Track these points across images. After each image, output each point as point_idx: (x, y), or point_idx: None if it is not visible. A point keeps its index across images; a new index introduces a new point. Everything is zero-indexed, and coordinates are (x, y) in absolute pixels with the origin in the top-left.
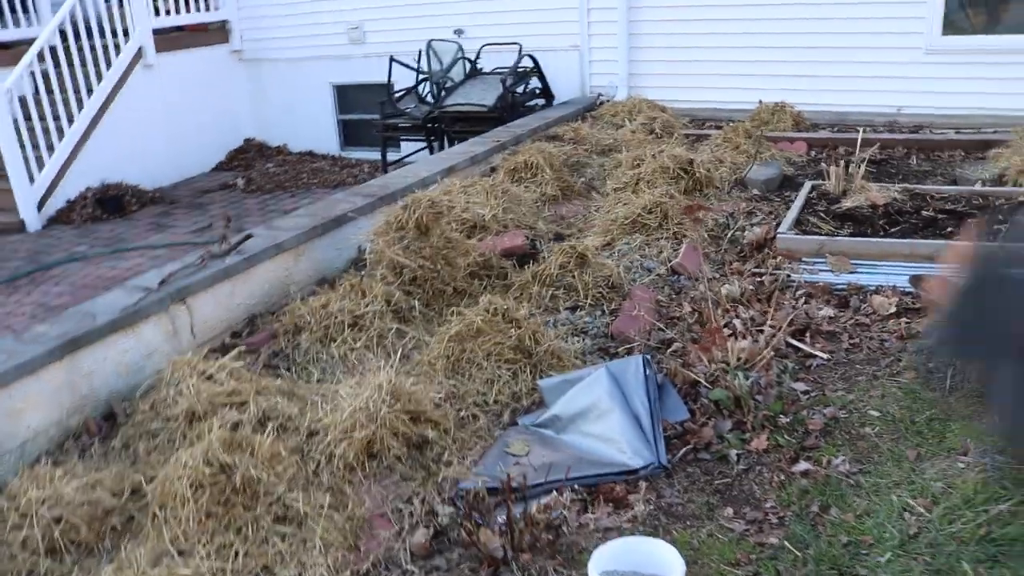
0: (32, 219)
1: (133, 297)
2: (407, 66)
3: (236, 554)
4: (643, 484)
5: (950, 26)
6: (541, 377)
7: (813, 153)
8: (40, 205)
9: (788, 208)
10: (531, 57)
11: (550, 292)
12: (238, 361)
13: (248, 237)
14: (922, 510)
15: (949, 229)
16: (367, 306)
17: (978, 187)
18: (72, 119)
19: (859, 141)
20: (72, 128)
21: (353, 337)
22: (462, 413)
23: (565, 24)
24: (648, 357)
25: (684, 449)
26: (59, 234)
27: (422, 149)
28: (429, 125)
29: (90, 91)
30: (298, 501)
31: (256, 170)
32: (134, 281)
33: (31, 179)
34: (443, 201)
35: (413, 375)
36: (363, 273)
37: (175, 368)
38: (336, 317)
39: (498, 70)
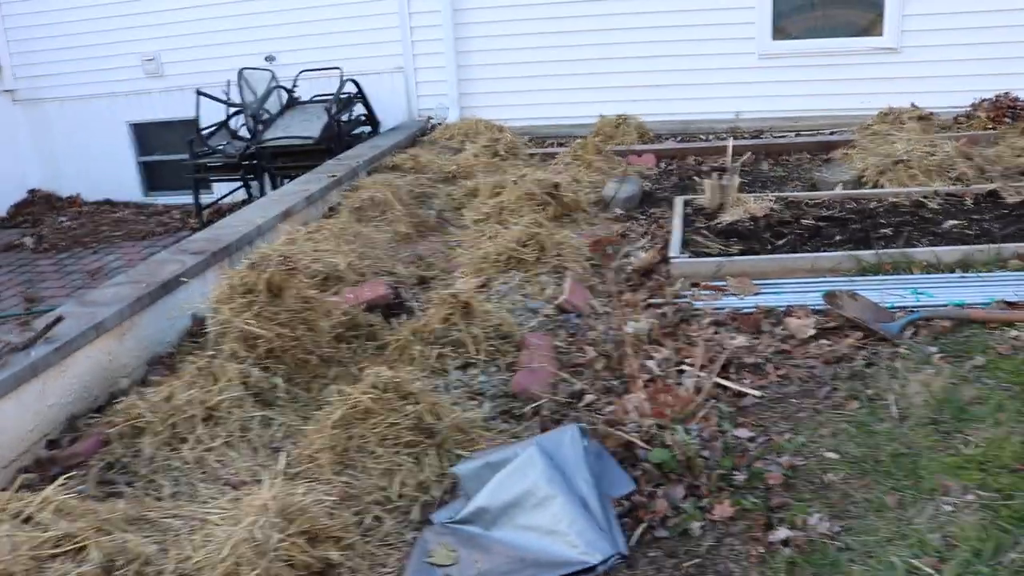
0: None
1: None
2: (216, 99)
3: None
4: None
5: (780, 31)
6: (448, 459)
7: (663, 165)
8: None
9: (661, 227)
10: (354, 82)
11: (435, 351)
12: (64, 492)
13: (58, 320)
14: (931, 571)
15: (837, 237)
16: (221, 392)
17: (840, 190)
18: None
19: (729, 151)
20: None
21: (209, 434)
22: (363, 519)
23: (388, 45)
24: (583, 426)
25: (639, 529)
26: None
27: (238, 189)
28: (246, 163)
29: None
30: None
31: (47, 225)
32: None
33: None
34: (293, 254)
35: (294, 475)
36: (209, 351)
37: None
38: (184, 411)
39: (318, 98)
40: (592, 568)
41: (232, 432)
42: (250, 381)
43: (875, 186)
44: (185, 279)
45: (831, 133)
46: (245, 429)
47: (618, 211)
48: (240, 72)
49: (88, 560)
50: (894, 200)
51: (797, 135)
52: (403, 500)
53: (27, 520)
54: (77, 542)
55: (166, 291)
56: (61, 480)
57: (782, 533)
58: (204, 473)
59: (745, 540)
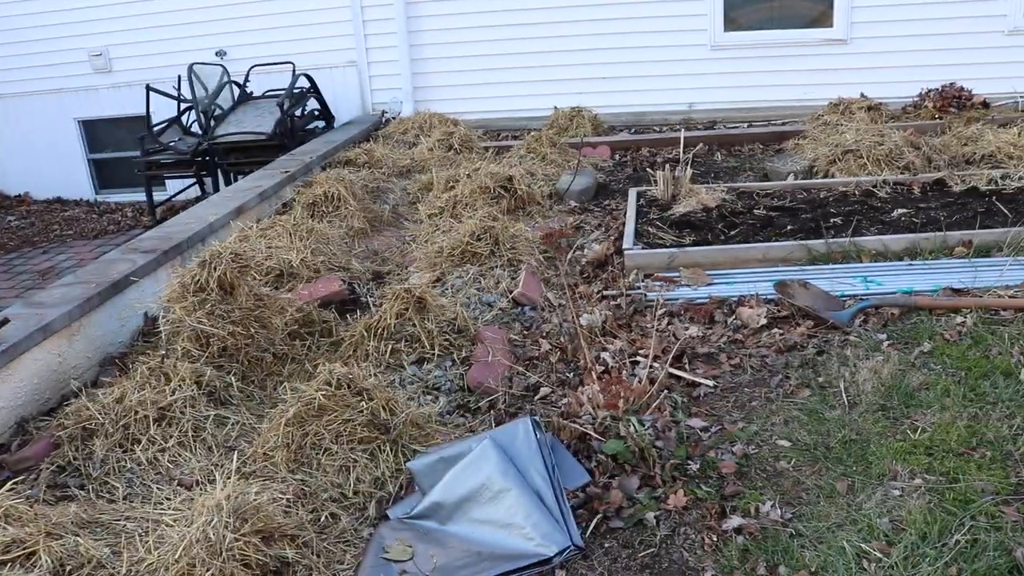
0: None
1: None
2: (166, 94)
3: None
4: (559, 573)
5: (732, 22)
6: (404, 454)
7: (617, 157)
8: None
9: (615, 219)
10: (307, 76)
11: (390, 346)
12: (12, 496)
13: (4, 322)
14: (879, 555)
15: (789, 227)
16: (174, 393)
17: (792, 180)
18: None
19: (681, 142)
20: None
21: (162, 434)
22: (319, 516)
23: (340, 39)
24: (537, 419)
25: (594, 520)
26: None
27: (191, 186)
28: (198, 159)
29: None
30: None
31: None
32: None
33: None
34: (245, 251)
35: (248, 474)
36: (161, 351)
37: None
38: (136, 412)
39: (270, 92)
40: (548, 560)
41: (186, 432)
42: (203, 380)
43: (826, 176)
44: (136, 278)
45: (783, 123)
46: (199, 429)
47: (573, 203)
48: (190, 67)
49: (38, 566)
50: (844, 189)
51: (750, 126)
52: (359, 497)
53: None
54: (26, 547)
55: (116, 291)
56: (9, 485)
57: (735, 521)
58: (158, 474)
59: (699, 529)
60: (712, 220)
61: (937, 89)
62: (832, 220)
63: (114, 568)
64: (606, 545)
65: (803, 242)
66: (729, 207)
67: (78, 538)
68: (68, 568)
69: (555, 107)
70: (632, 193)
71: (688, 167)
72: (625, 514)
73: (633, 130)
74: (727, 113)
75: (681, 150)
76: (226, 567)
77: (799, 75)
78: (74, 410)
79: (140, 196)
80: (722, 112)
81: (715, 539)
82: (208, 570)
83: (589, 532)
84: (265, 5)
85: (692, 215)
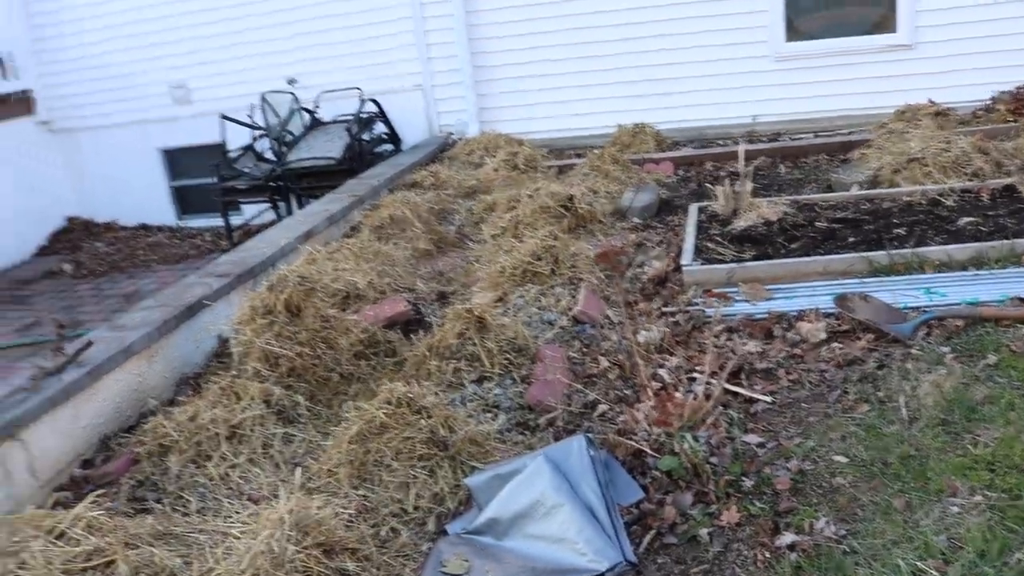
0: None
1: None
2: (241, 123)
3: None
4: None
5: (794, 32)
6: (462, 471)
7: (681, 172)
8: None
9: (676, 235)
10: (374, 101)
11: (451, 365)
12: (95, 508)
13: (88, 345)
14: (935, 573)
15: (851, 239)
16: (244, 411)
17: (855, 191)
18: None
19: (741, 156)
20: None
21: (233, 451)
22: (380, 531)
23: (405, 63)
24: (591, 436)
25: (648, 536)
26: None
27: (266, 210)
28: (272, 184)
29: None
30: None
31: (85, 252)
32: None
33: None
34: (312, 274)
35: (313, 490)
36: (232, 371)
37: (14, 531)
38: (209, 429)
39: (339, 118)
40: (600, 575)
41: (255, 449)
42: (272, 399)
43: (890, 185)
44: (209, 302)
45: (849, 133)
46: (267, 446)
47: (635, 220)
48: (263, 96)
49: (116, 574)
50: (908, 199)
51: (815, 136)
52: (418, 512)
53: (60, 536)
54: (106, 556)
55: (192, 314)
56: (92, 498)
57: (788, 538)
58: (229, 489)
59: (752, 545)
60: (773, 234)
61: (1011, 91)
62: (895, 231)
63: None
64: (659, 561)
65: (864, 254)
66: (790, 220)
67: (153, 549)
68: None
69: (618, 124)
70: (692, 209)
71: (749, 180)
72: (679, 530)
73: (697, 144)
74: (791, 124)
75: (741, 163)
76: None
77: (864, 83)
78: (151, 428)
79: (218, 221)
80: (786, 124)
81: (768, 556)
82: None
83: (643, 548)
84: (333, 34)
85: (752, 229)
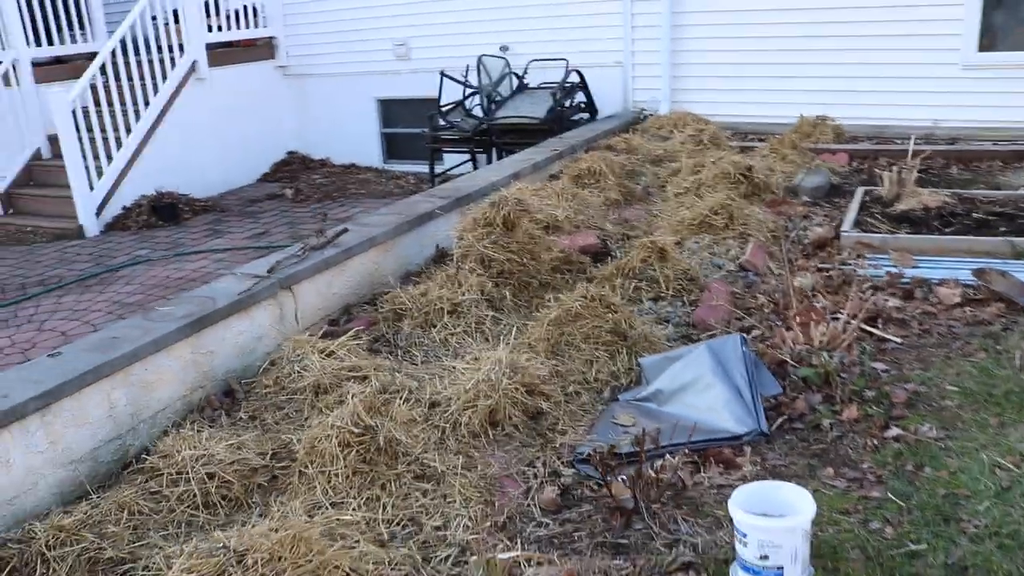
0: (91, 225)
1: (244, 283)
2: (458, 80)
3: (384, 507)
4: (747, 449)
5: (987, 42)
6: (636, 358)
7: (855, 164)
8: (98, 212)
9: (841, 213)
10: (578, 72)
11: (633, 284)
12: (354, 340)
13: (344, 231)
14: (1012, 466)
15: (1003, 229)
16: (463, 295)
17: (1023, 192)
18: (129, 129)
19: (910, 151)
20: (129, 138)
21: (452, 323)
22: (567, 390)
23: (609, 41)
24: (744, 336)
25: (780, 419)
26: (118, 239)
27: (465, 162)
28: (477, 138)
29: (147, 103)
30: (435, 461)
31: (302, 181)
32: (241, 269)
33: (91, 187)
34: (525, 199)
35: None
36: (455, 266)
37: (296, 346)
38: (436, 304)
39: (544, 85)
40: (739, 436)
41: (470, 324)
42: (485, 290)
43: None
44: (441, 212)
45: None
46: (480, 323)
47: (805, 198)
48: (479, 58)
49: (370, 385)
50: None
51: (994, 144)
52: (597, 383)
53: (329, 355)
54: (363, 372)
55: (421, 222)
56: (351, 333)
57: (893, 431)
58: (447, 351)
59: (864, 435)
60: (929, 218)
61: None
62: None
63: (420, 395)
64: (787, 437)
65: (1009, 239)
66: (948, 209)
67: (396, 372)
68: (389, 390)
69: (800, 115)
70: (859, 190)
71: (915, 170)
72: (806, 420)
73: (874, 141)
74: (972, 132)
75: (910, 154)
76: (500, 401)
77: None
78: (391, 297)
79: (420, 167)
80: (967, 130)
81: (875, 443)
82: (488, 398)
83: (775, 427)
84: (546, 8)
85: (911, 212)
